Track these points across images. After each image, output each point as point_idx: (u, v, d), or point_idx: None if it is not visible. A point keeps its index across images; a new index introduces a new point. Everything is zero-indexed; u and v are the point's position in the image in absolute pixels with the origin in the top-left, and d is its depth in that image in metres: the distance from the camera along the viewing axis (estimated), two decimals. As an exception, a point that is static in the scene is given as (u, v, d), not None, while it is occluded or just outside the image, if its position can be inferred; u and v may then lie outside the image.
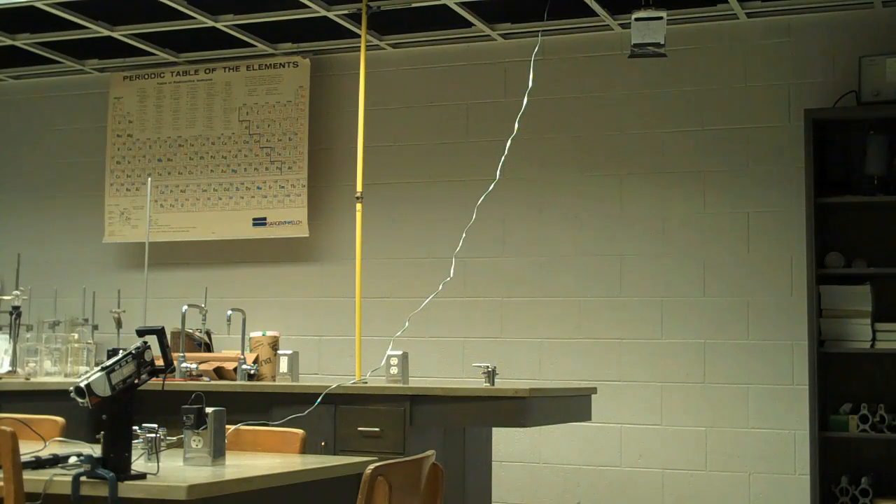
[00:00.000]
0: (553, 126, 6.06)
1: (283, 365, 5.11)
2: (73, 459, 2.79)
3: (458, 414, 4.52)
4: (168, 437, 3.09)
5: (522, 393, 4.42)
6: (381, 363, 4.96)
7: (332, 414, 4.64)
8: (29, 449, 2.89)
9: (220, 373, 5.30)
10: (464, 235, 5.39)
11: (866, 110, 5.31)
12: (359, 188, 5.27)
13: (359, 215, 5.25)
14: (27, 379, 5.25)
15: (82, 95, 7.09)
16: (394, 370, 4.89)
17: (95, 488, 2.58)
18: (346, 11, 5.77)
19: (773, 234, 5.65)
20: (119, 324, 5.60)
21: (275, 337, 5.40)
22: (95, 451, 2.75)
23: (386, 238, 6.30)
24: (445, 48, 6.29)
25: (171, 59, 6.71)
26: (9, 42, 6.43)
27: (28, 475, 2.68)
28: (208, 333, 5.75)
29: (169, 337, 3.41)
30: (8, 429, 2.70)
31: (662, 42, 5.04)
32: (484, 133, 6.14)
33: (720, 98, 5.80)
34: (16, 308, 5.39)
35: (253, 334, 5.40)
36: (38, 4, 5.75)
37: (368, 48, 5.73)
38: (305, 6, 5.70)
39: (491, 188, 5.29)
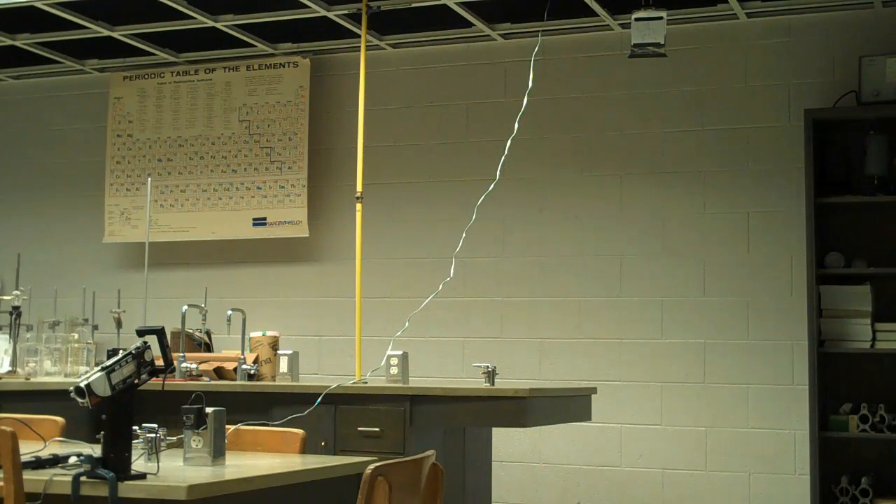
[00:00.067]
0: (553, 126, 6.06)
1: (283, 365, 5.11)
2: (73, 459, 2.78)
3: (458, 414, 4.52)
4: (168, 437, 3.08)
5: (522, 393, 4.42)
6: (381, 363, 4.96)
7: (332, 414, 4.64)
8: (29, 449, 2.89)
9: (220, 373, 5.30)
10: (464, 235, 5.39)
11: (866, 110, 5.31)
12: (359, 188, 5.27)
13: (359, 215, 5.25)
14: (27, 379, 5.25)
15: (82, 95, 7.09)
16: (394, 370, 4.89)
17: (95, 488, 2.58)
18: (346, 11, 5.77)
19: (773, 234, 5.65)
20: (119, 324, 5.60)
21: (275, 337, 5.40)
22: (95, 451, 2.75)
23: (386, 238, 6.30)
24: (445, 48, 6.29)
25: (171, 59, 6.71)
26: (9, 42, 6.43)
27: (28, 475, 2.68)
28: (208, 333, 5.75)
29: (169, 337, 3.41)
30: (8, 429, 2.70)
31: (662, 42, 5.04)
32: (484, 133, 6.14)
33: (720, 98, 5.80)
34: (16, 308, 5.39)
35: (253, 334, 5.40)
36: (38, 4, 5.75)
37: (368, 48, 5.73)
38: (305, 6, 5.70)
39: (491, 188, 5.29)
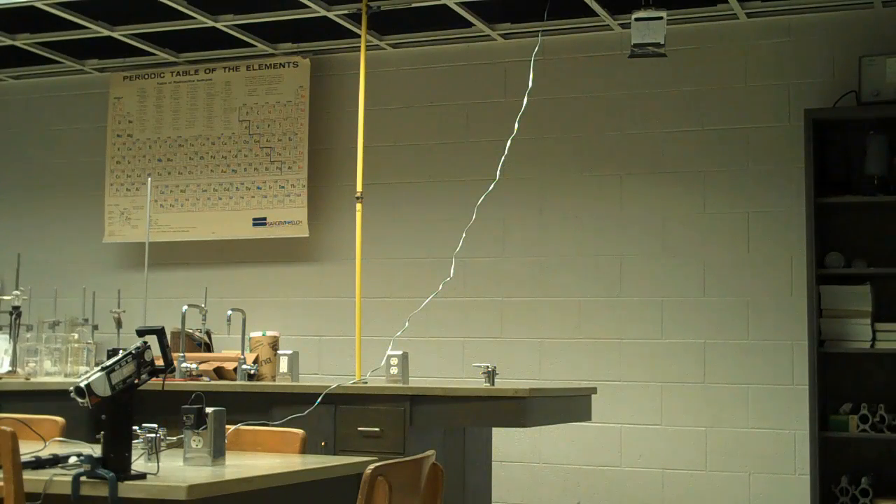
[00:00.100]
0: (553, 126, 6.06)
1: (283, 365, 5.11)
2: (73, 459, 2.78)
3: (458, 414, 4.52)
4: (168, 437, 3.08)
5: (522, 393, 4.42)
6: (381, 363, 4.96)
7: (332, 414, 4.64)
8: (29, 449, 2.89)
9: (220, 373, 5.30)
10: (464, 235, 5.39)
11: (866, 110, 5.31)
12: (359, 188, 5.27)
13: (359, 215, 5.25)
14: (27, 379, 5.25)
15: (82, 95, 7.09)
16: (394, 370, 4.89)
17: (95, 488, 2.58)
18: (346, 11, 5.77)
19: (773, 234, 5.65)
20: (119, 324, 5.60)
21: (275, 337, 5.40)
22: (95, 451, 2.75)
23: (386, 238, 6.30)
24: (445, 48, 6.29)
25: (171, 59, 6.71)
26: (9, 42, 6.43)
27: (28, 475, 2.68)
28: (208, 333, 5.75)
29: (169, 337, 3.41)
30: (8, 429, 2.70)
31: (662, 42, 5.04)
32: (484, 133, 6.14)
33: (720, 98, 5.80)
34: (16, 308, 5.39)
35: (253, 334, 5.40)
36: (38, 4, 5.75)
37: (368, 48, 5.73)
38: (305, 6, 5.70)
39: (491, 188, 5.29)
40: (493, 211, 5.82)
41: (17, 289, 5.50)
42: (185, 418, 3.00)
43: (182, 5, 5.78)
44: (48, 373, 5.34)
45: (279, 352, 5.21)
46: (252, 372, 5.17)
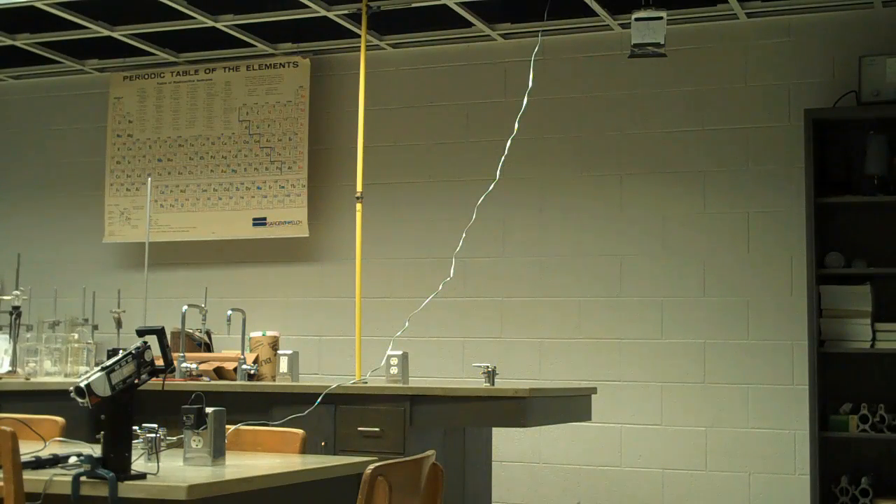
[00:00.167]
0: (553, 126, 6.06)
1: (283, 365, 5.11)
2: (73, 459, 2.78)
3: (458, 414, 4.52)
4: (168, 437, 3.08)
5: (522, 393, 4.42)
6: (381, 363, 4.96)
7: (332, 414, 4.64)
8: (29, 449, 2.89)
9: (220, 373, 5.30)
10: (464, 235, 5.39)
11: (866, 110, 5.31)
12: (359, 188, 5.27)
13: (359, 215, 5.25)
14: (27, 379, 5.25)
15: (82, 95, 7.09)
16: (394, 370, 4.89)
17: (95, 488, 2.58)
18: (346, 11, 5.77)
19: (773, 234, 5.64)
20: (119, 324, 5.60)
21: (275, 337, 5.40)
22: (95, 451, 2.75)
23: (386, 238, 6.30)
24: (445, 48, 6.29)
25: (171, 59, 6.71)
26: (9, 42, 6.43)
27: (28, 475, 2.68)
28: (208, 333, 5.75)
29: (169, 337, 3.41)
30: (8, 429, 2.70)
31: (662, 42, 5.04)
32: (484, 133, 6.14)
33: (720, 98, 5.80)
34: (16, 308, 5.39)
35: (253, 334, 5.40)
36: (38, 4, 5.75)
37: (368, 48, 5.73)
38: (305, 6, 5.70)
39: (491, 188, 5.29)
40: (493, 211, 5.82)
41: (17, 289, 5.50)
42: (185, 418, 3.00)
43: (182, 5, 5.78)
44: (48, 373, 5.34)
45: (279, 352, 5.21)
46: (252, 372, 5.17)
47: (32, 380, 5.24)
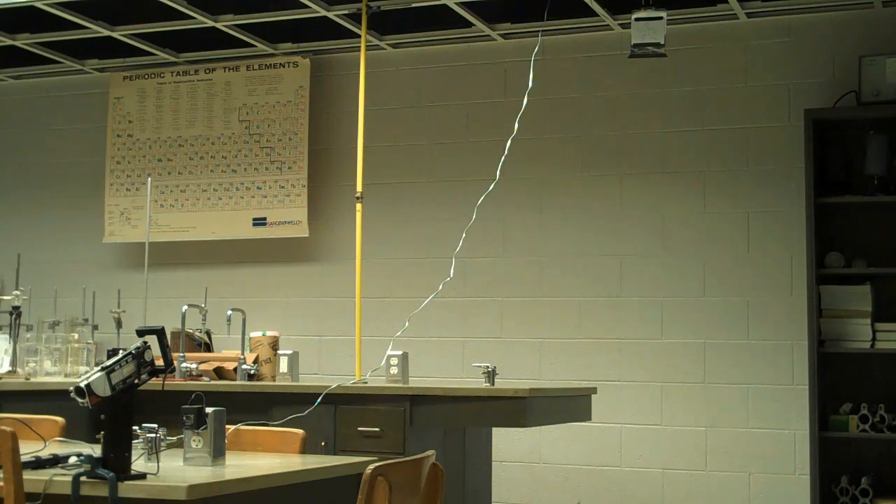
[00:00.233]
0: (553, 126, 6.06)
1: (283, 365, 5.11)
2: (73, 459, 2.78)
3: (458, 414, 4.52)
4: (168, 437, 3.08)
5: (522, 393, 4.42)
6: (381, 363, 4.96)
7: (332, 414, 4.64)
8: (29, 449, 2.89)
9: (220, 373, 5.30)
10: (464, 235, 5.39)
11: (866, 110, 5.31)
12: (359, 188, 5.27)
13: (359, 215, 5.25)
14: (27, 379, 5.25)
15: (82, 95, 7.09)
16: (394, 370, 4.89)
17: (95, 488, 2.58)
18: (346, 11, 5.77)
19: (773, 234, 5.65)
20: (119, 324, 5.60)
21: (275, 337, 5.40)
22: (95, 451, 2.75)
23: (386, 238, 6.30)
24: (445, 48, 6.29)
25: (171, 59, 6.71)
26: (9, 42, 6.43)
27: (28, 475, 2.68)
28: (208, 333, 5.75)
29: (169, 337, 3.41)
30: (8, 429, 2.70)
31: (662, 42, 5.04)
32: (484, 133, 6.14)
33: (720, 98, 5.80)
34: (16, 308, 5.39)
35: (253, 334, 5.40)
36: (38, 4, 5.75)
37: (368, 48, 5.73)
38: (305, 6, 5.70)
39: (491, 188, 5.29)
40: (493, 211, 5.82)
41: (17, 289, 5.50)
42: (185, 418, 3.00)
43: (182, 5, 5.78)
44: (48, 373, 5.34)
45: (279, 352, 5.22)
46: (252, 372, 5.17)
47: (32, 380, 5.24)
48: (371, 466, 2.68)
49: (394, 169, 6.33)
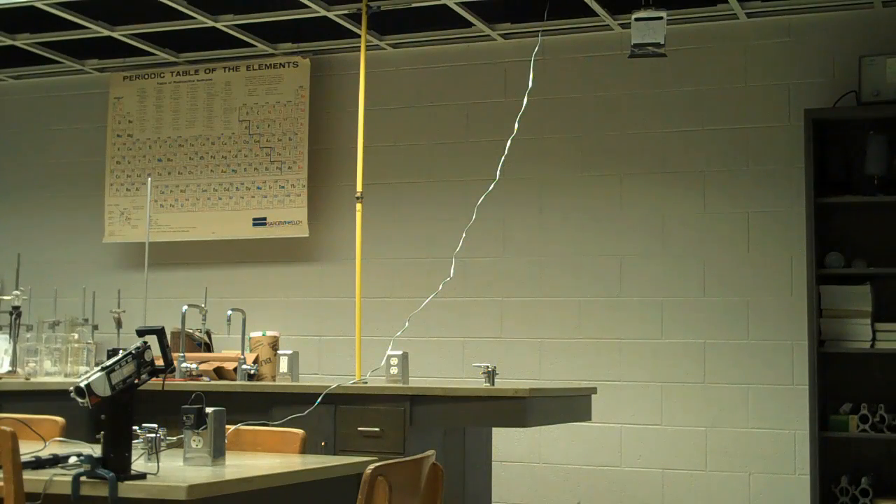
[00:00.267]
0: (553, 126, 6.06)
1: (283, 365, 5.11)
2: (73, 459, 2.78)
3: (458, 414, 4.52)
4: (168, 437, 3.08)
5: (522, 393, 4.42)
6: (381, 363, 4.96)
7: (332, 414, 4.64)
8: (29, 449, 2.89)
9: (220, 373, 5.30)
10: (464, 235, 5.39)
11: (866, 110, 5.31)
12: (359, 188, 5.27)
13: (359, 215, 5.25)
14: (27, 379, 5.25)
15: (82, 95, 7.09)
16: (394, 370, 4.89)
17: (95, 488, 2.58)
18: (346, 11, 5.77)
19: (773, 234, 5.65)
20: (119, 324, 5.60)
21: (275, 337, 5.40)
22: (95, 451, 2.75)
23: (386, 238, 6.30)
24: (445, 48, 6.29)
25: (171, 59, 6.71)
26: (9, 42, 6.43)
27: (28, 475, 2.68)
28: (208, 333, 5.75)
29: (169, 337, 3.41)
30: (8, 429, 2.70)
31: (662, 42, 5.04)
32: (484, 133, 6.14)
33: (720, 98, 5.80)
34: (16, 308, 5.39)
35: (253, 334, 5.40)
36: (38, 4, 5.75)
37: (368, 48, 5.73)
38: (305, 6, 5.70)
39: (491, 188, 5.29)
40: (493, 211, 5.82)
41: (17, 289, 5.50)
42: (185, 418, 3.00)
43: (182, 5, 5.78)
44: (48, 373, 5.34)
45: (279, 352, 5.22)
46: (252, 372, 5.17)
47: (32, 380, 5.24)
48: (371, 466, 2.68)
49: (394, 169, 6.34)
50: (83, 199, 6.99)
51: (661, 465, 5.73)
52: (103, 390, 2.62)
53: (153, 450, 2.86)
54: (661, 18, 5.02)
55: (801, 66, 5.67)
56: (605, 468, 5.83)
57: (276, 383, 5.05)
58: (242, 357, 5.21)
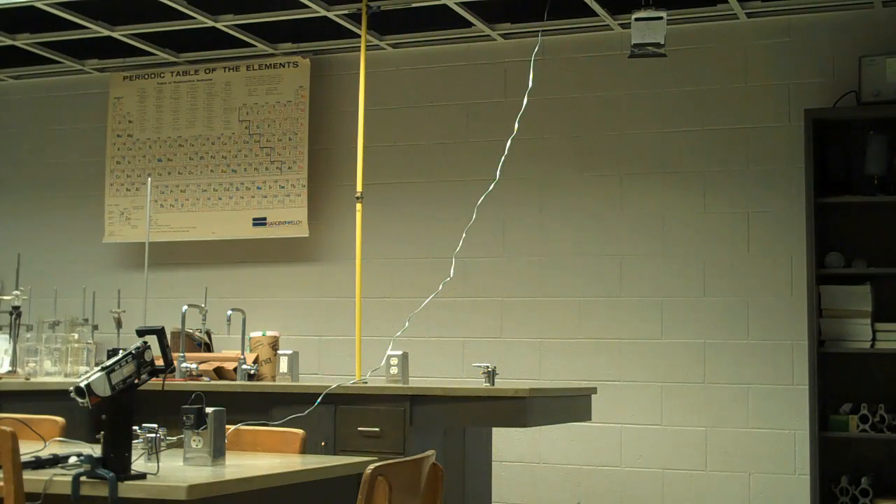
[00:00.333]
0: (553, 126, 6.06)
1: (283, 365, 5.11)
2: (73, 459, 2.78)
3: (458, 414, 4.52)
4: (168, 437, 3.08)
5: (522, 393, 4.42)
6: (381, 363, 4.96)
7: (332, 414, 4.64)
8: (29, 449, 2.89)
9: (220, 373, 5.30)
10: (464, 235, 5.39)
11: (866, 110, 5.31)
12: (359, 188, 5.27)
13: (359, 215, 5.25)
14: (27, 379, 5.25)
15: (82, 95, 7.09)
16: (394, 370, 4.89)
17: (95, 488, 2.58)
18: (346, 11, 5.77)
19: (773, 234, 5.65)
20: (119, 324, 5.60)
21: (275, 337, 5.40)
22: (95, 451, 2.75)
23: (386, 238, 6.30)
24: (445, 48, 6.29)
25: (171, 59, 6.71)
26: (9, 42, 6.43)
27: (28, 475, 2.68)
28: (208, 333, 5.75)
29: (169, 337, 3.41)
30: (8, 429, 2.70)
31: (662, 42, 5.04)
32: (484, 133, 6.14)
33: (720, 98, 5.80)
34: (16, 308, 5.39)
35: (253, 334, 5.40)
36: (38, 4, 5.75)
37: (368, 48, 5.73)
38: (305, 6, 5.70)
39: (491, 188, 5.29)
40: (493, 211, 5.82)
41: (17, 289, 5.50)
42: (185, 418, 3.00)
43: (182, 5, 5.78)
44: (48, 373, 5.34)
45: (279, 352, 5.22)
46: (252, 372, 5.17)
47: (32, 380, 5.24)
48: (371, 466, 2.68)
49: (394, 169, 6.34)
50: (83, 199, 7.00)
51: (661, 465, 5.73)
52: (103, 390, 2.62)
53: (153, 450, 2.86)
54: (661, 18, 5.02)
55: (801, 66, 5.67)
56: (605, 468, 5.83)
57: (276, 383, 5.05)
58: (242, 357, 5.21)
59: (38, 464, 2.78)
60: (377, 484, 2.66)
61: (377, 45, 6.26)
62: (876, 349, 5.23)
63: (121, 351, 2.71)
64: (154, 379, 2.78)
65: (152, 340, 2.79)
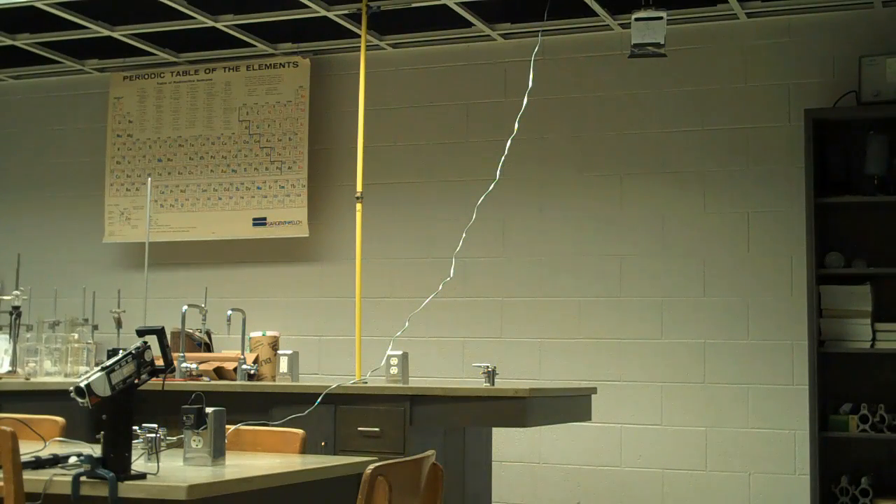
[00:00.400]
0: (553, 126, 6.06)
1: (283, 365, 5.11)
2: (73, 459, 2.79)
3: (458, 414, 4.52)
4: (168, 437, 3.08)
5: (522, 393, 4.42)
6: (381, 363, 4.96)
7: (332, 414, 4.64)
8: (29, 449, 2.89)
9: (220, 373, 5.30)
10: (464, 235, 5.39)
11: (866, 110, 5.31)
12: (359, 188, 5.27)
13: (359, 215, 5.25)
14: (27, 379, 5.25)
15: (82, 95, 7.10)
16: (394, 370, 4.89)
17: (95, 488, 2.58)
18: (346, 11, 5.77)
19: (773, 234, 5.65)
20: (119, 324, 5.60)
21: (275, 337, 5.40)
22: (95, 451, 2.75)
23: (386, 238, 6.30)
24: (445, 48, 6.29)
25: (171, 59, 6.71)
26: (9, 42, 6.43)
27: (28, 475, 2.68)
28: (208, 333, 5.75)
29: (169, 337, 3.41)
30: (8, 429, 2.70)
31: (662, 42, 5.04)
32: (484, 133, 6.14)
33: (720, 98, 5.80)
34: (16, 308, 5.39)
35: (253, 334, 5.40)
36: (38, 4, 5.75)
37: (368, 48, 5.73)
38: (305, 6, 5.70)
39: (491, 188, 5.29)
40: (493, 211, 5.82)
41: (17, 289, 5.50)
42: (185, 418, 3.01)
43: (182, 5, 5.78)
44: (48, 373, 5.34)
45: (279, 352, 5.22)
46: (252, 372, 5.17)
47: (32, 380, 5.24)
48: (371, 466, 2.68)
49: (394, 169, 6.34)
50: (83, 199, 7.00)
51: (661, 465, 5.73)
52: (103, 390, 2.62)
53: (153, 450, 2.86)
54: (661, 18, 5.02)
55: (801, 66, 5.67)
56: (605, 468, 5.83)
57: (276, 383, 5.05)
58: (242, 357, 5.21)
59: (38, 464, 2.79)
60: (377, 484, 2.67)
61: (377, 45, 6.26)
62: (876, 349, 5.23)
63: (121, 351, 2.71)
64: (154, 379, 2.78)
65: (152, 340, 2.79)
